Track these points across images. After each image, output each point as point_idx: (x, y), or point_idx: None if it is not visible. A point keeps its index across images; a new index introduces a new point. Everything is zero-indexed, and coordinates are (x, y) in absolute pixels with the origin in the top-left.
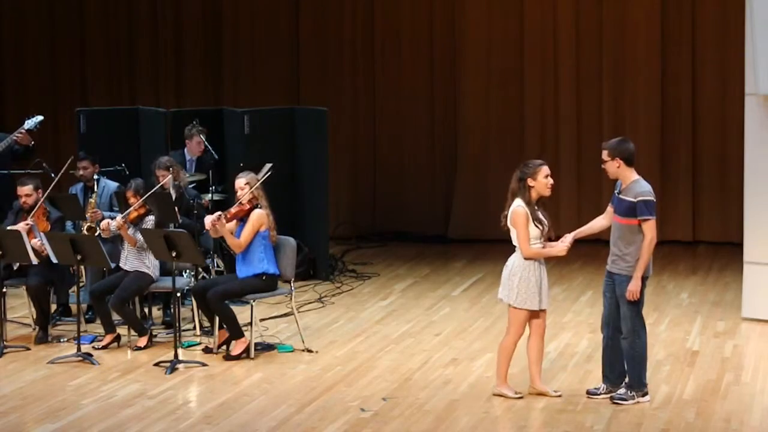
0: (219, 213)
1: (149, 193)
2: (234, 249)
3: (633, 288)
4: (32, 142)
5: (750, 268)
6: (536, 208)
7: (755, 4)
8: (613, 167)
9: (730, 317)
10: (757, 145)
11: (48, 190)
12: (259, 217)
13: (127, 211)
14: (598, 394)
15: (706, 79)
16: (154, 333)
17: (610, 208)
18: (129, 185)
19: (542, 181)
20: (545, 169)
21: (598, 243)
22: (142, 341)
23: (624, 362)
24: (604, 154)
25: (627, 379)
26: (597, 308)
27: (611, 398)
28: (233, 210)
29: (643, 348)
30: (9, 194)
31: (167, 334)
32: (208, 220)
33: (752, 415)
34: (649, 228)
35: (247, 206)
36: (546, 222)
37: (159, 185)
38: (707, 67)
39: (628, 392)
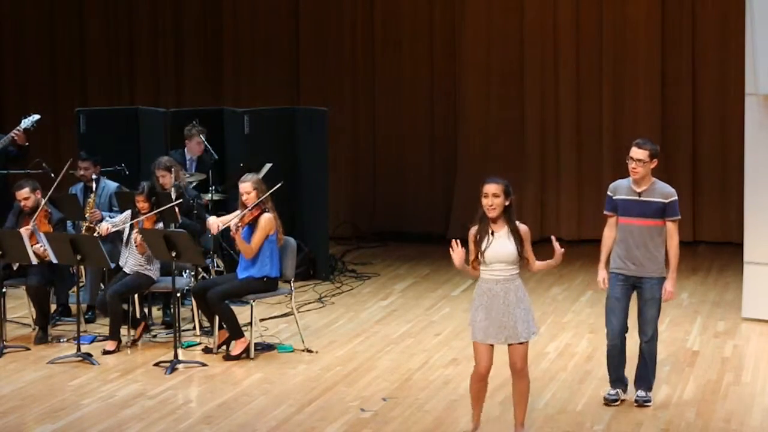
0: (235, 223)
1: (162, 208)
2: (246, 255)
3: (673, 288)
4: (27, 143)
5: (750, 268)
6: (490, 232)
7: (755, 4)
8: (649, 168)
9: (730, 317)
10: (757, 145)
11: (50, 192)
12: (268, 221)
13: (140, 220)
14: (618, 400)
15: (706, 79)
16: (153, 333)
17: (612, 218)
18: (140, 188)
19: (482, 201)
20: (484, 188)
21: (599, 243)
22: (111, 345)
23: (625, 364)
24: (644, 155)
25: (642, 381)
26: (597, 308)
27: (637, 402)
28: (245, 218)
29: (657, 348)
30: (6, 195)
31: (167, 334)
32: (214, 223)
33: (752, 415)
34: (677, 227)
35: (256, 212)
36: (483, 251)
37: (170, 205)
38: (707, 67)
39: (648, 393)
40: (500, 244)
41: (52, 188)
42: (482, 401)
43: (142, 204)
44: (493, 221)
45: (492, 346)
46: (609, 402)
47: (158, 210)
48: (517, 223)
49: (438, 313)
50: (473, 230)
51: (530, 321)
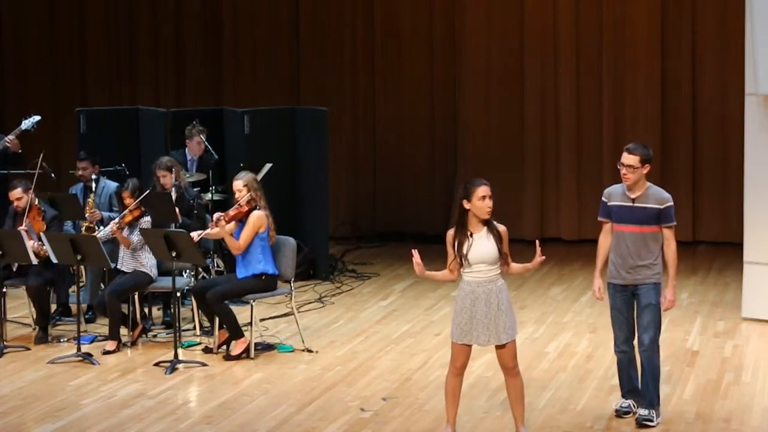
0: (218, 215)
1: (142, 196)
2: (233, 250)
3: (674, 297)
4: (20, 150)
5: (750, 268)
6: (470, 234)
7: (755, 4)
8: (640, 173)
9: (730, 317)
10: (757, 145)
11: (31, 187)
12: (258, 218)
13: (122, 214)
14: (630, 413)
15: (706, 79)
16: (154, 333)
17: (607, 225)
18: (126, 185)
19: (477, 204)
20: (482, 190)
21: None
22: (111, 345)
23: (637, 374)
24: (635, 160)
25: (641, 397)
26: (597, 308)
27: (638, 422)
28: (232, 212)
29: (659, 360)
30: (6, 195)
31: (167, 334)
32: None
33: (752, 415)
34: (674, 233)
35: (246, 208)
36: (466, 254)
37: (150, 188)
38: (707, 67)
39: (651, 412)
40: (480, 245)
41: (33, 181)
42: (458, 400)
43: (127, 200)
44: (472, 223)
45: (470, 345)
46: (621, 414)
47: (137, 201)
48: (495, 223)
49: (438, 313)
50: (451, 233)
51: (512, 323)
